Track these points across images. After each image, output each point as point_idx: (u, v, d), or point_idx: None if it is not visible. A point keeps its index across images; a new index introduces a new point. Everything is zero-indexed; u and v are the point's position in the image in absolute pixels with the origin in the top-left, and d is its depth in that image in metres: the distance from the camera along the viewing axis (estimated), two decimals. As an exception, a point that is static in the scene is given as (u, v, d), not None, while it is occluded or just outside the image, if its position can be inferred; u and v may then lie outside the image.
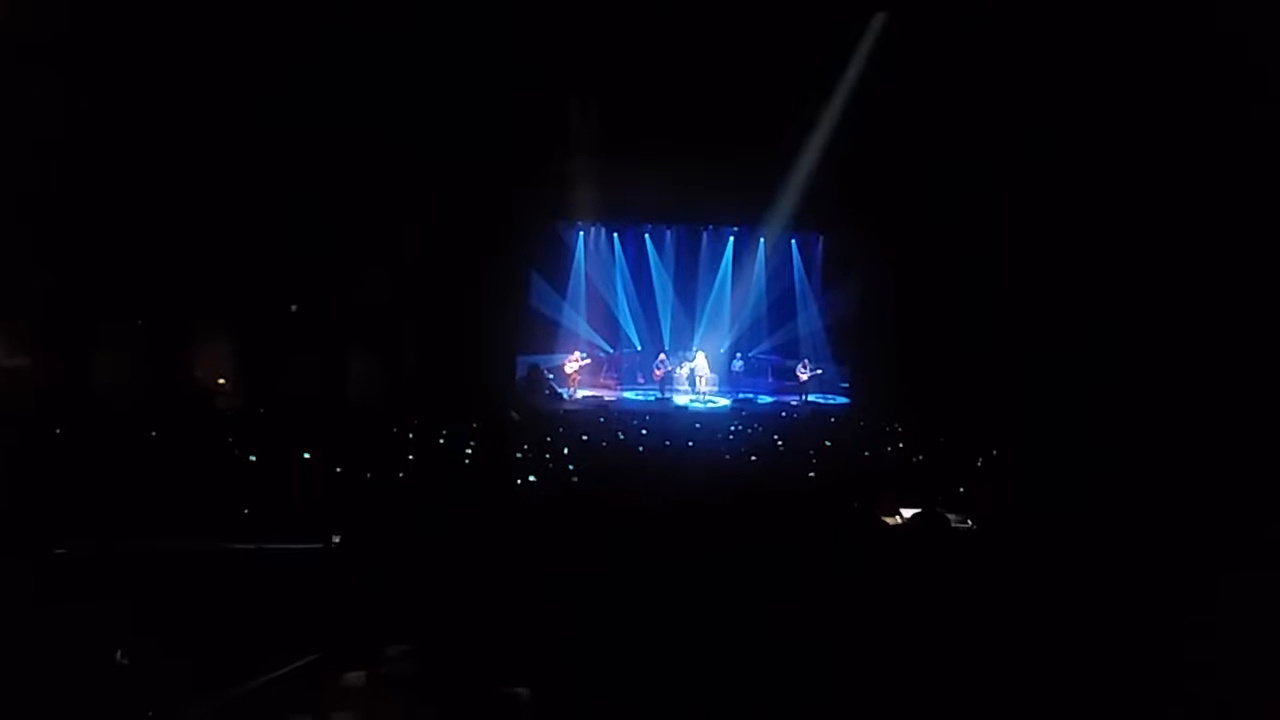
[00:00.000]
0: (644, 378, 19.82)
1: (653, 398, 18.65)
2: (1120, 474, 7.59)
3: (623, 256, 20.38)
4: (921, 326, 16.35)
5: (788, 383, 19.37)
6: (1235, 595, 3.63)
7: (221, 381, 15.74)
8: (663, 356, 19.18)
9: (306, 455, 8.63)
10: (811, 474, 8.66)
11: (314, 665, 3.41)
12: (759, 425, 13.38)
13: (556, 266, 19.67)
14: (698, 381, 18.99)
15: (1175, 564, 4.31)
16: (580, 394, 18.51)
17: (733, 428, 12.97)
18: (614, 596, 3.79)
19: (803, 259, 20.40)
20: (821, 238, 20.19)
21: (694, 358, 19.34)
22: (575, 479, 8.00)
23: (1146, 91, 12.49)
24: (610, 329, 20.45)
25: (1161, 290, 12.81)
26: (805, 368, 18.57)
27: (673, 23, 13.84)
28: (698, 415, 15.93)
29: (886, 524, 5.62)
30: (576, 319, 19.93)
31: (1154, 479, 7.05)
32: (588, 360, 19.13)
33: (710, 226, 20.28)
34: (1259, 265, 11.44)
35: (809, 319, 20.16)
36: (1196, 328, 12.17)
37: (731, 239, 20.27)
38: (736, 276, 20.35)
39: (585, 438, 11.12)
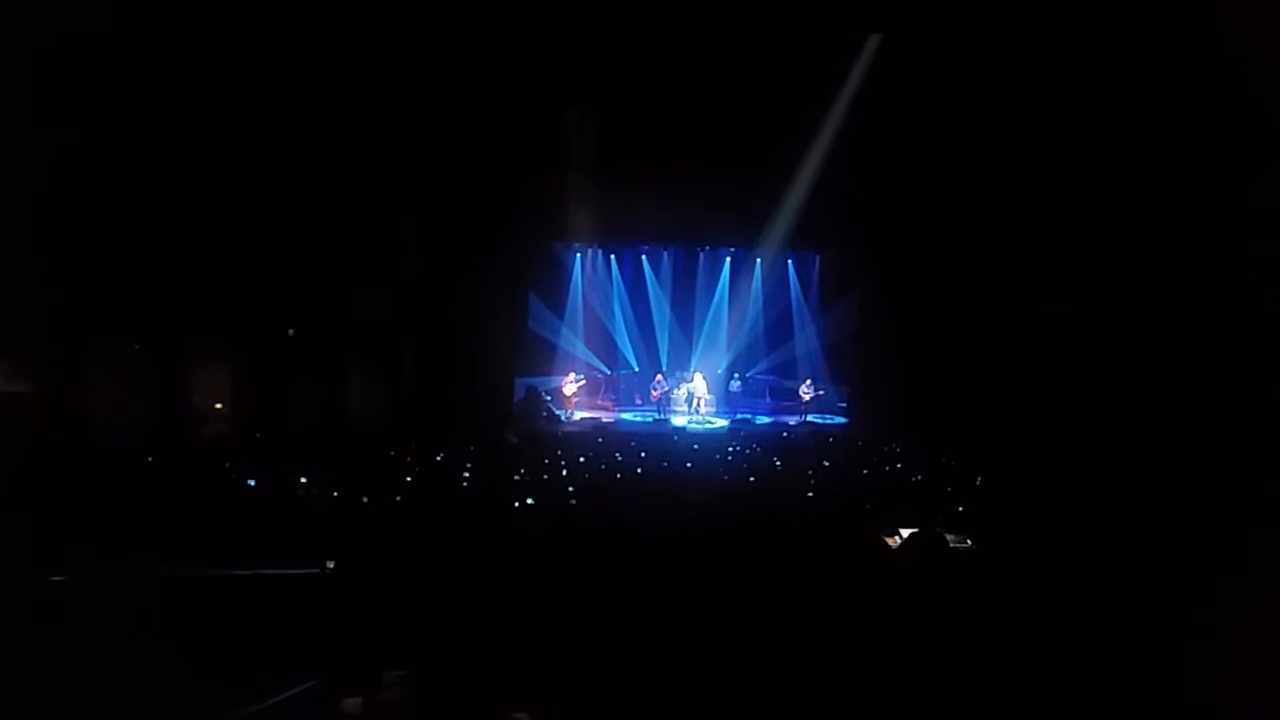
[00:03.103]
0: (642, 399, 19.79)
1: (650, 419, 18.66)
2: (1120, 491, 7.58)
3: (620, 278, 20.40)
4: (919, 345, 16.36)
5: (786, 403, 19.37)
6: (1237, 611, 3.62)
7: (219, 406, 15.73)
8: (660, 377, 19.18)
9: (304, 479, 8.62)
10: (810, 494, 8.65)
11: (311, 691, 3.39)
12: (757, 446, 13.38)
13: (554, 288, 19.67)
14: (695, 402, 18.92)
15: (1176, 580, 4.31)
16: (578, 416, 18.50)
17: (731, 448, 12.97)
18: (613, 619, 3.78)
19: (799, 279, 20.43)
20: (818, 257, 20.25)
21: (692, 378, 19.27)
22: (573, 501, 8.00)
23: (1144, 105, 12.55)
24: (608, 350, 20.43)
25: (1163, 304, 12.83)
26: (809, 388, 18.57)
27: (670, 43, 13.92)
28: (696, 436, 15.91)
29: (884, 544, 5.61)
30: (574, 340, 19.91)
31: (1154, 495, 7.05)
32: (585, 382, 19.13)
33: (707, 247, 20.32)
34: (1261, 277, 11.45)
35: (806, 339, 20.16)
36: (1198, 340, 12.17)
37: (728, 259, 20.29)
38: (733, 297, 20.36)
39: (583, 459, 11.11)
